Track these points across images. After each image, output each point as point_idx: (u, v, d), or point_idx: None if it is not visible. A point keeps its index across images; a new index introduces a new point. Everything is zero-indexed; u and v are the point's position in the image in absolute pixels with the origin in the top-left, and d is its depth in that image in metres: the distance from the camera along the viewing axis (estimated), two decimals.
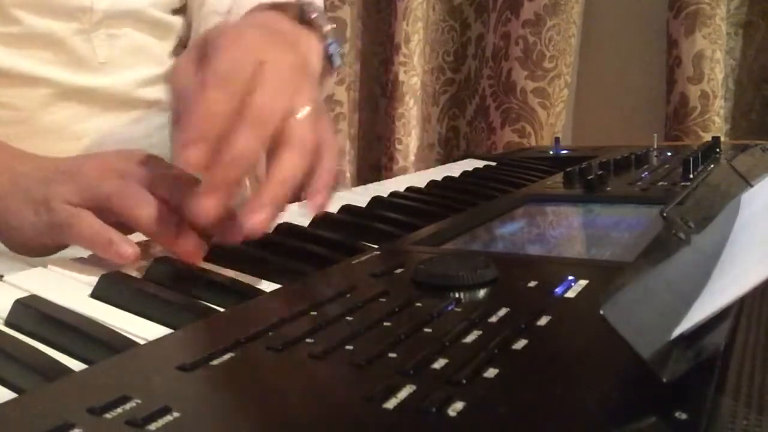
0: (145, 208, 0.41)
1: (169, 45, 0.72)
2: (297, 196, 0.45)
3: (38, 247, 0.46)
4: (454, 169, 0.83)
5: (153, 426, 0.20)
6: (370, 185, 0.75)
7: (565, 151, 0.98)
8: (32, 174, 0.46)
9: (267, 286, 0.38)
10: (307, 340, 0.27)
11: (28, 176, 0.46)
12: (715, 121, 1.12)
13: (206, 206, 0.38)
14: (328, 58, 0.60)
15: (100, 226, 0.41)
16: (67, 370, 0.27)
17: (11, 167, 0.48)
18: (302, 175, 0.42)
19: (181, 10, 0.74)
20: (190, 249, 0.41)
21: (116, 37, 0.65)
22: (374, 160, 1.44)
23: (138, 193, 0.42)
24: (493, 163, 0.88)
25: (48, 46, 0.61)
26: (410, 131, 1.35)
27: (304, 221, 0.54)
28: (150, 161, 0.45)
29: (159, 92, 0.70)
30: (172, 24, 0.72)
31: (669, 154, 0.86)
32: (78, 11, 0.62)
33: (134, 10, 0.67)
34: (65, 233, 0.43)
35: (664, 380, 0.21)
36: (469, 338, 0.26)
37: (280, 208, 0.40)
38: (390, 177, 1.21)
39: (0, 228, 0.46)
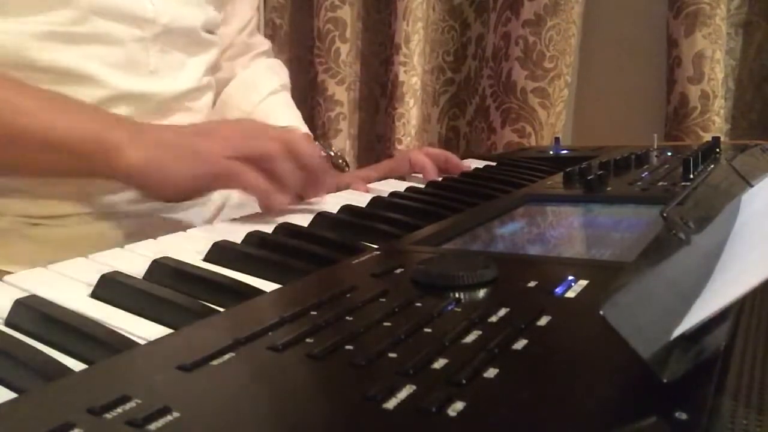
0: (289, 168, 0.56)
1: (206, 61, 0.79)
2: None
3: (189, 191, 0.58)
4: None
5: (153, 426, 0.20)
6: (370, 185, 0.75)
7: (565, 151, 0.98)
8: (176, 135, 0.58)
9: (267, 286, 0.38)
10: (307, 340, 0.27)
11: (173, 136, 0.57)
12: (715, 121, 1.12)
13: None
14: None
15: (259, 178, 0.54)
16: (67, 370, 0.27)
17: (152, 129, 0.59)
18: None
19: (212, 31, 0.84)
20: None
21: (166, 51, 0.71)
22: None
23: (283, 155, 0.55)
24: (493, 163, 0.88)
25: (111, 49, 0.66)
26: (410, 131, 1.35)
27: (304, 221, 0.54)
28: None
29: (194, 102, 0.77)
30: (212, 41, 0.81)
31: (669, 154, 0.86)
32: (141, 21, 0.68)
33: (188, 29, 0.74)
34: (231, 181, 0.56)
35: (664, 380, 0.21)
36: (469, 338, 0.26)
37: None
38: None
39: (153, 179, 0.55)
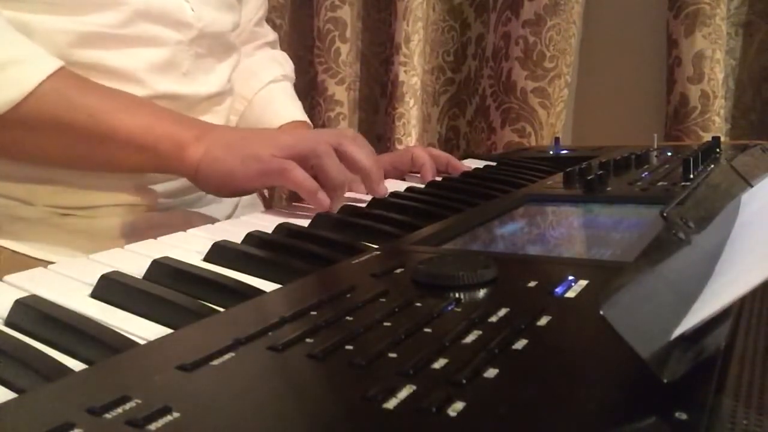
0: (335, 163, 0.58)
1: (231, 65, 0.83)
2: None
3: (241, 189, 0.62)
4: None
5: (153, 426, 0.20)
6: None
7: (565, 151, 0.98)
8: (237, 136, 0.62)
9: (267, 286, 0.38)
10: (307, 340, 0.27)
11: (234, 137, 0.62)
12: (715, 121, 1.12)
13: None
14: None
15: (307, 176, 0.57)
16: (67, 370, 0.27)
17: (217, 130, 0.63)
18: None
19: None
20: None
21: (200, 55, 0.74)
22: None
23: (329, 152, 0.58)
24: (493, 163, 0.88)
25: (152, 51, 0.69)
26: (410, 131, 1.35)
27: (304, 221, 0.54)
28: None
29: (218, 105, 0.80)
30: (235, 45, 0.84)
31: (669, 154, 0.86)
32: (181, 25, 0.71)
33: (219, 33, 0.78)
34: (280, 177, 0.57)
35: (664, 380, 0.21)
36: (469, 338, 0.26)
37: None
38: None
39: (209, 176, 0.60)
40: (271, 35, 1.00)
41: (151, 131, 0.60)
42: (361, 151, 0.62)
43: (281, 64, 0.96)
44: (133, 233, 0.67)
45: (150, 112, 0.63)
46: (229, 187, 0.61)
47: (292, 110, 0.91)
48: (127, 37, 0.66)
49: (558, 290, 0.32)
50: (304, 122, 0.91)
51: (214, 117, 0.78)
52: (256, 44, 0.95)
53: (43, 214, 0.67)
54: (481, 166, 0.84)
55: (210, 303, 0.35)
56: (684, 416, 0.20)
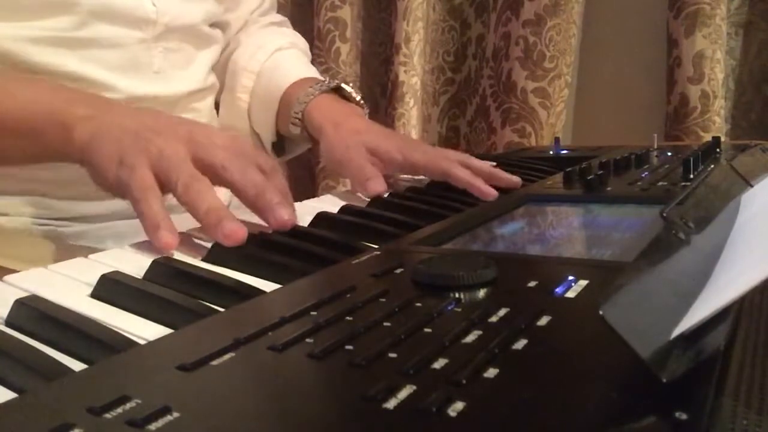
0: (250, 172, 0.49)
1: (210, 58, 0.79)
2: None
3: (110, 190, 0.49)
4: None
5: (153, 426, 0.20)
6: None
7: (565, 151, 0.98)
8: (130, 117, 0.51)
9: (267, 286, 0.38)
10: (307, 340, 0.27)
11: (127, 119, 0.50)
12: (715, 121, 1.12)
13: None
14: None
15: (159, 210, 0.45)
16: (67, 370, 0.27)
17: (115, 112, 0.52)
18: None
19: (217, 25, 0.83)
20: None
21: (171, 50, 0.71)
22: None
23: (241, 159, 0.49)
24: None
25: (113, 52, 0.66)
26: (410, 131, 1.35)
27: (304, 221, 0.54)
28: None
29: (199, 103, 0.77)
30: (213, 36, 0.80)
31: (669, 154, 0.86)
32: (143, 22, 0.68)
33: (189, 26, 0.74)
34: (134, 204, 0.46)
35: (664, 380, 0.21)
36: (469, 338, 0.26)
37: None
38: None
39: (90, 167, 0.50)
40: (278, 17, 0.95)
41: (33, 112, 0.52)
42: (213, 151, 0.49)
43: (288, 36, 0.91)
44: (124, 241, 0.66)
45: (36, 91, 0.54)
46: (109, 182, 0.49)
47: (300, 69, 0.84)
48: (83, 40, 0.64)
49: (558, 290, 0.32)
50: (313, 78, 0.82)
51: (196, 115, 0.75)
52: (258, 25, 0.91)
53: (26, 226, 0.65)
54: None
55: (210, 303, 0.35)
56: (684, 416, 0.20)
